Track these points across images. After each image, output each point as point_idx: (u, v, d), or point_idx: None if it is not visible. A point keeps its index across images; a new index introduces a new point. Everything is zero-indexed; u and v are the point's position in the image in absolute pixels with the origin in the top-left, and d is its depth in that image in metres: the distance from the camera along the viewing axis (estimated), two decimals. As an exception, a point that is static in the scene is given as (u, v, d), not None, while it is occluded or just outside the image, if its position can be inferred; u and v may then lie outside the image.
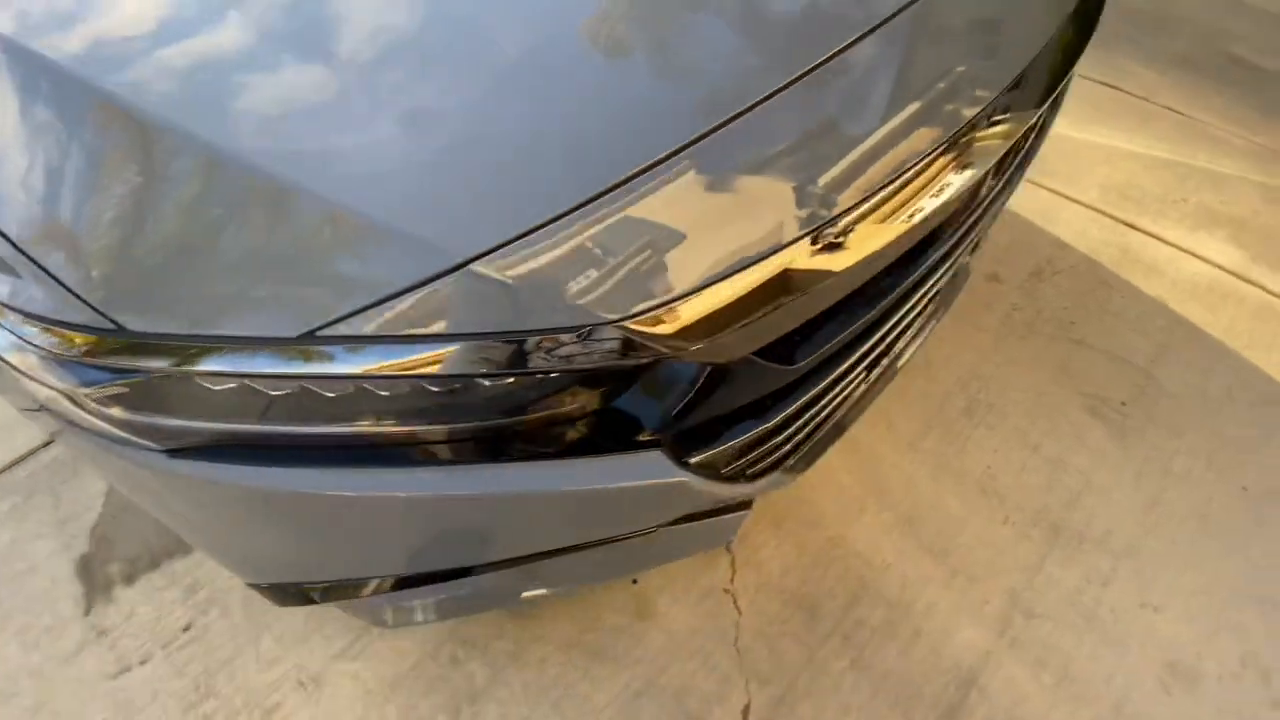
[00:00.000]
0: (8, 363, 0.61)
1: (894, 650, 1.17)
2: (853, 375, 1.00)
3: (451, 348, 0.55)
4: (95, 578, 1.20)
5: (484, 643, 1.16)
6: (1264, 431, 1.44)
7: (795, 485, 1.33)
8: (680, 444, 0.78)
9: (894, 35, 0.81)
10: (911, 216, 0.73)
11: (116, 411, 0.59)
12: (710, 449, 0.80)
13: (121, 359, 0.56)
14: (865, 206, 0.69)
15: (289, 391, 0.56)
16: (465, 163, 0.64)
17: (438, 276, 0.56)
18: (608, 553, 0.92)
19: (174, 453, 0.63)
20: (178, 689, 1.10)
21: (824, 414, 1.03)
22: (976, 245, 1.25)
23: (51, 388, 0.60)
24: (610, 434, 0.74)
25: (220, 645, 1.14)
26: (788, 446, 1.00)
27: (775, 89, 0.71)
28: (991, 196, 1.00)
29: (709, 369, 0.76)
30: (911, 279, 0.91)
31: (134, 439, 0.62)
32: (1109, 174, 1.95)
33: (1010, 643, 1.18)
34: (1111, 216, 1.83)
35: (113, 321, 0.56)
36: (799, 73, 0.73)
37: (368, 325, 0.55)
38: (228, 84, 0.68)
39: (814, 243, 0.66)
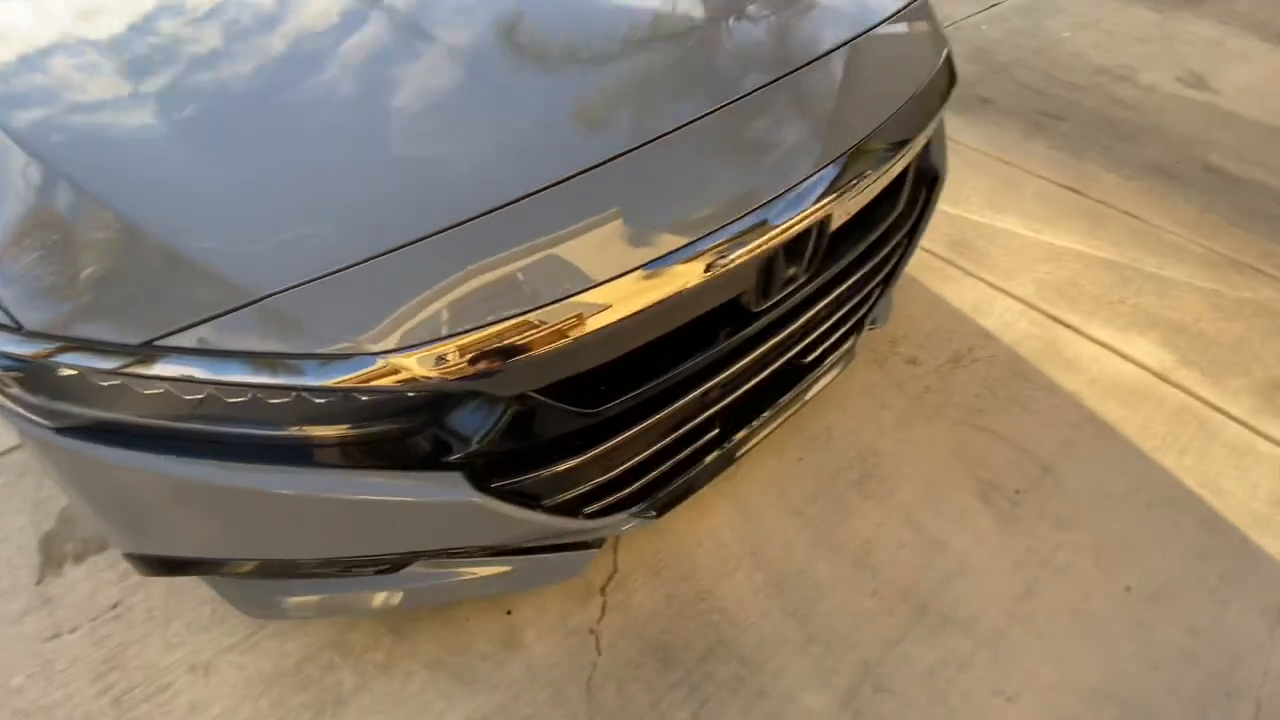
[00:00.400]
0: None
1: (736, 707, 1.21)
2: (681, 433, 1.11)
3: (238, 366, 0.72)
4: (52, 553, 1.40)
5: (360, 652, 1.28)
6: (1158, 533, 1.43)
7: (679, 537, 1.42)
8: (485, 471, 0.91)
9: (704, 131, 0.96)
10: (678, 288, 0.86)
11: (17, 392, 0.78)
12: (510, 479, 0.93)
13: (17, 349, 0.75)
14: (629, 274, 0.83)
15: (116, 385, 0.74)
16: (283, 210, 0.82)
17: (243, 306, 0.73)
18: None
19: (59, 431, 0.81)
20: (93, 659, 1.26)
21: (660, 466, 1.14)
22: (839, 334, 1.35)
23: None
24: (421, 453, 0.88)
25: (136, 625, 1.30)
26: (624, 491, 1.11)
27: (563, 178, 0.87)
28: (814, 289, 1.12)
29: (513, 407, 0.90)
30: (725, 346, 1.03)
31: (30, 416, 0.80)
32: (1050, 271, 2.01)
33: (853, 714, 1.20)
34: (1042, 311, 1.89)
35: (14, 320, 0.75)
36: (595, 162, 0.89)
37: (190, 340, 0.72)
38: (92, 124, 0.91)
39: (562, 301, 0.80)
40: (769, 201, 0.92)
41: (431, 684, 1.24)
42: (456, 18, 1.11)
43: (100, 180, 0.84)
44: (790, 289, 1.04)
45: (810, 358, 1.31)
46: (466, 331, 0.75)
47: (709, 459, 1.24)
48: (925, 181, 1.37)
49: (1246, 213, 2.23)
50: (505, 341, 0.77)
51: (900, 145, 1.11)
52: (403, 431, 0.86)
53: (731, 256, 0.88)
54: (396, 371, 0.75)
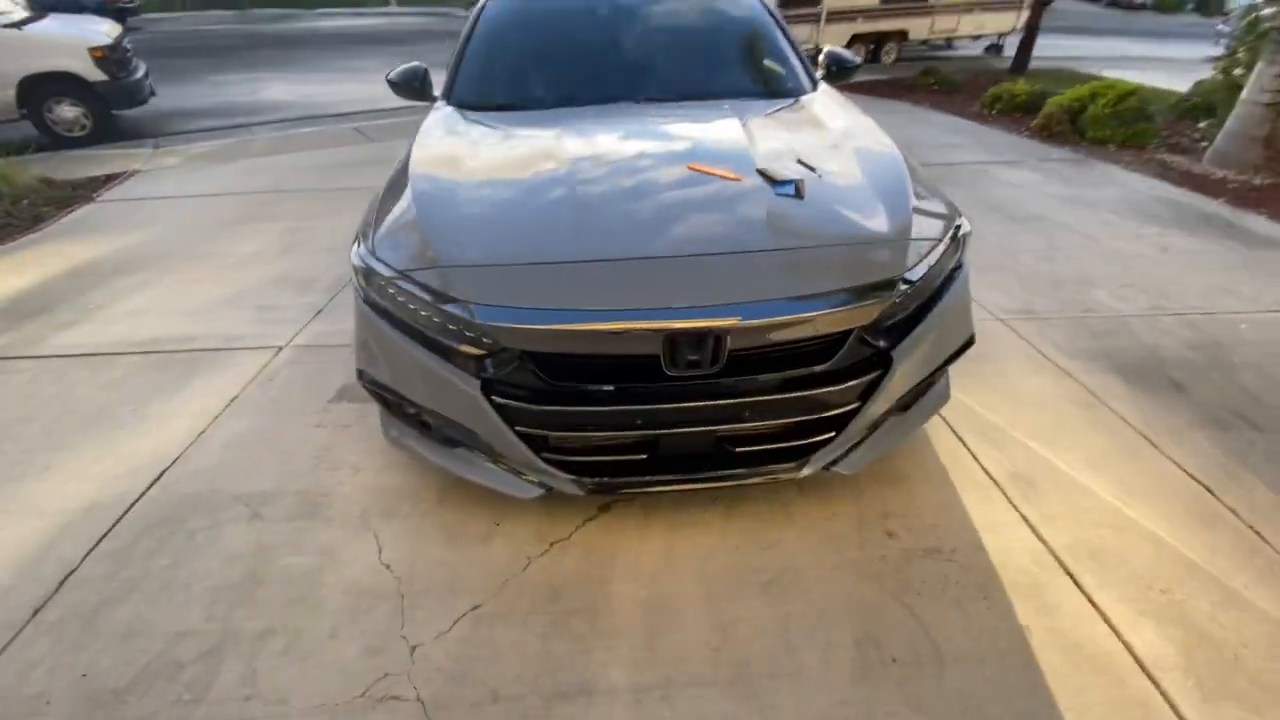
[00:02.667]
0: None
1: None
2: (611, 437, 1.72)
3: (423, 293, 1.68)
4: (341, 395, 2.60)
5: (416, 497, 2.10)
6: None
7: (618, 546, 1.95)
8: (492, 386, 1.68)
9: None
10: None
11: (361, 283, 1.87)
12: (502, 398, 1.67)
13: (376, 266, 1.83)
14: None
15: (383, 285, 1.76)
16: (504, 235, 1.80)
17: (433, 268, 1.69)
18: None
19: (364, 300, 1.86)
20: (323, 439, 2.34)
21: (592, 453, 1.76)
22: (766, 446, 1.80)
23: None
24: (472, 366, 1.70)
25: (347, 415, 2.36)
26: (566, 456, 1.76)
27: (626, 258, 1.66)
28: (729, 391, 1.65)
29: (514, 363, 1.67)
30: (642, 387, 1.65)
31: (362, 291, 1.87)
32: (1102, 536, 1.96)
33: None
34: (1057, 558, 1.88)
35: (377, 258, 1.84)
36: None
37: (416, 276, 1.72)
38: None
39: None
40: (680, 308, 1.56)
41: (433, 536, 1.98)
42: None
43: (428, 221, 1.92)
44: (696, 372, 1.61)
45: (738, 450, 1.78)
46: (516, 320, 1.58)
47: (637, 479, 1.79)
48: (877, 360, 1.75)
49: None
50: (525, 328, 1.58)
51: (810, 314, 1.61)
52: (470, 354, 1.69)
53: (650, 325, 1.54)
54: (476, 328, 1.60)
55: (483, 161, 2.19)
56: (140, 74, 7.46)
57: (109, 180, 5.64)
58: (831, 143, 2.23)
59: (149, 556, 1.92)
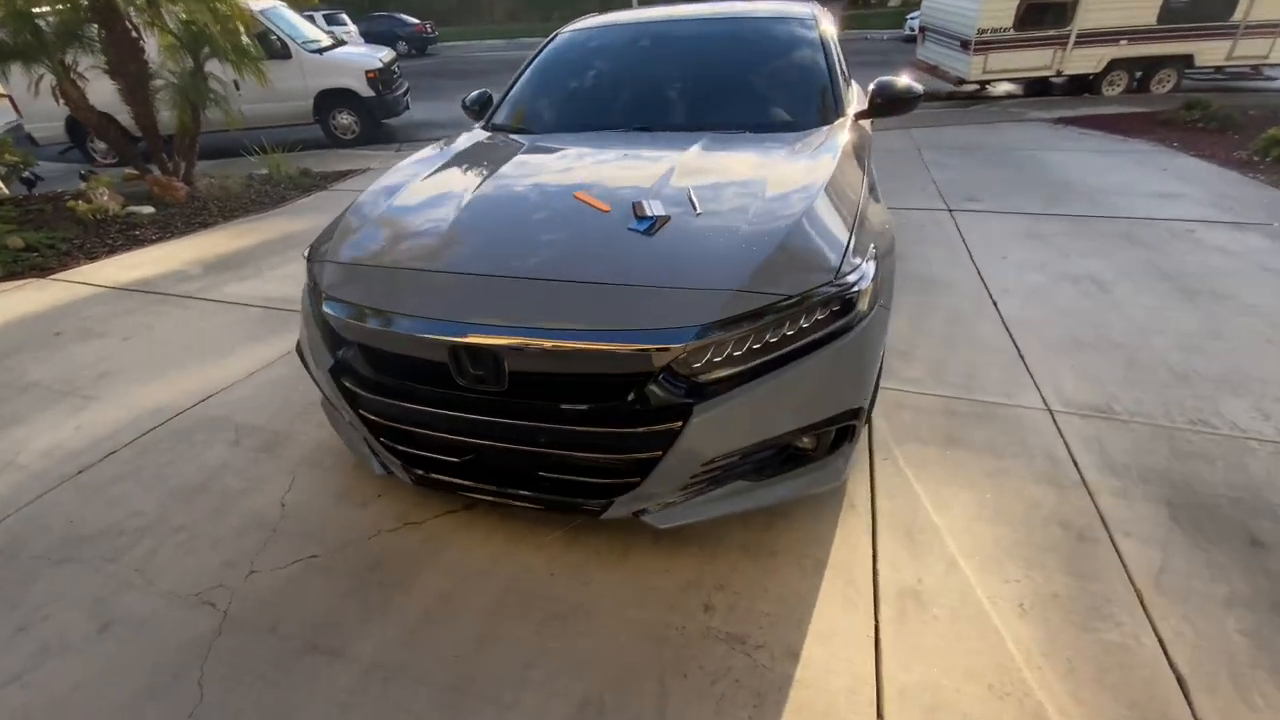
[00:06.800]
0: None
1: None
2: (425, 435, 1.87)
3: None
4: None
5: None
6: None
7: (442, 535, 2.09)
8: (340, 368, 1.94)
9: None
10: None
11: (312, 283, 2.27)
12: (343, 378, 1.92)
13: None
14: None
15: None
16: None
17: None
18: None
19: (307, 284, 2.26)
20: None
21: (411, 444, 1.92)
22: (562, 476, 1.80)
23: None
24: (330, 346, 1.99)
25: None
26: (392, 443, 1.95)
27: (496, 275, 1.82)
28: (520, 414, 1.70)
29: (354, 348, 1.90)
30: (436, 394, 1.77)
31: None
32: (960, 698, 1.54)
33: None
34: (879, 700, 1.54)
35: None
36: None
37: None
38: None
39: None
40: (467, 323, 1.64)
41: (330, 491, 2.31)
42: None
43: (343, 222, 2.25)
44: (486, 388, 1.68)
45: (545, 475, 1.79)
46: (340, 314, 1.83)
47: (453, 481, 1.90)
48: (674, 411, 1.61)
49: None
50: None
51: (589, 347, 1.58)
52: (327, 338, 1.97)
53: (435, 336, 1.66)
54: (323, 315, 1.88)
55: (433, 177, 2.43)
56: (401, 91, 9.31)
57: (348, 174, 7.17)
58: (752, 188, 2.06)
59: (159, 452, 2.54)
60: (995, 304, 3.51)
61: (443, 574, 1.96)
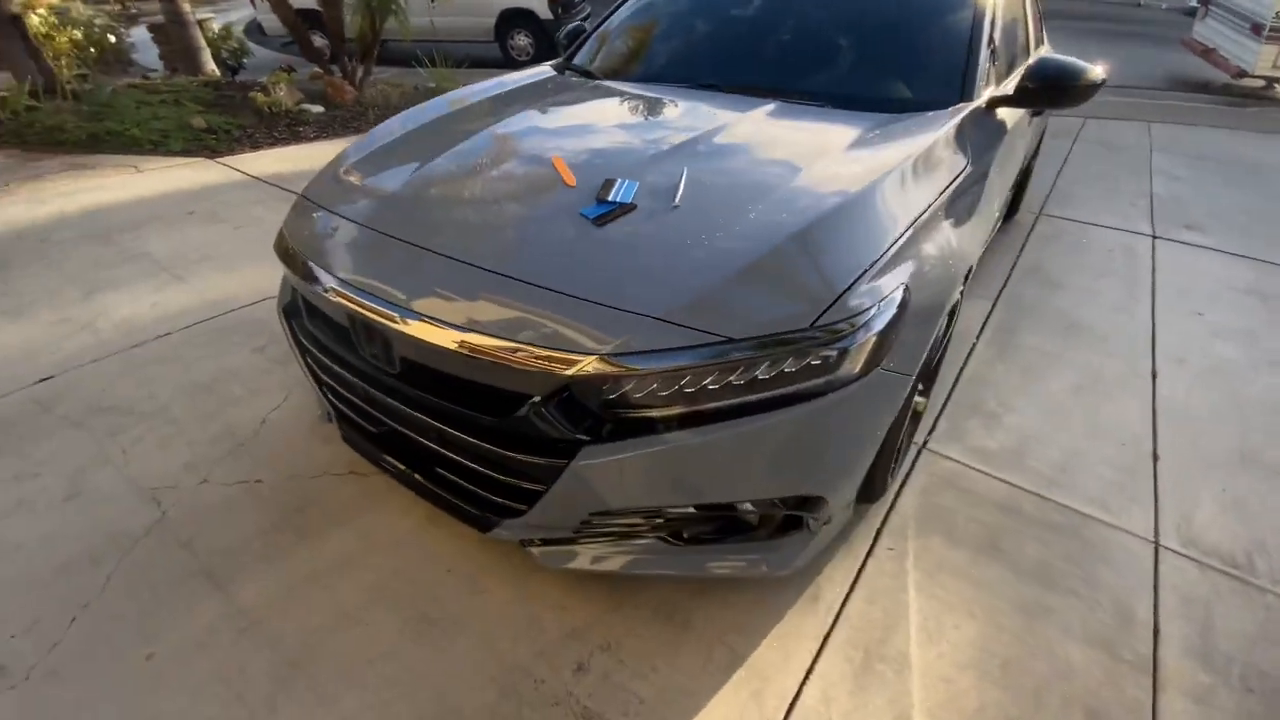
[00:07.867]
0: None
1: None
2: (342, 393, 1.77)
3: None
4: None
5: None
6: None
7: (378, 503, 2.02)
8: (289, 312, 1.89)
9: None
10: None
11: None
12: (297, 328, 1.87)
13: None
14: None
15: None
16: None
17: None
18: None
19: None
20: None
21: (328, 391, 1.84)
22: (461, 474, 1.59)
23: None
24: (286, 302, 1.94)
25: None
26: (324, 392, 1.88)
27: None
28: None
29: (303, 302, 1.83)
30: (347, 357, 1.64)
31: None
32: None
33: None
34: None
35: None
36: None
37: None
38: None
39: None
40: (367, 292, 1.47)
41: (306, 422, 2.33)
42: None
43: (335, 161, 2.13)
44: (381, 366, 1.52)
45: (439, 470, 1.62)
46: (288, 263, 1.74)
47: (366, 447, 1.79)
48: (560, 446, 1.34)
49: None
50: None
51: (468, 349, 1.34)
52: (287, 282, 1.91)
53: (342, 299, 1.51)
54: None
55: (437, 122, 2.22)
56: (582, 17, 9.19)
57: (503, 96, 7.28)
58: (771, 180, 1.61)
59: (198, 344, 2.74)
60: (1154, 377, 2.67)
61: (354, 536, 1.89)
